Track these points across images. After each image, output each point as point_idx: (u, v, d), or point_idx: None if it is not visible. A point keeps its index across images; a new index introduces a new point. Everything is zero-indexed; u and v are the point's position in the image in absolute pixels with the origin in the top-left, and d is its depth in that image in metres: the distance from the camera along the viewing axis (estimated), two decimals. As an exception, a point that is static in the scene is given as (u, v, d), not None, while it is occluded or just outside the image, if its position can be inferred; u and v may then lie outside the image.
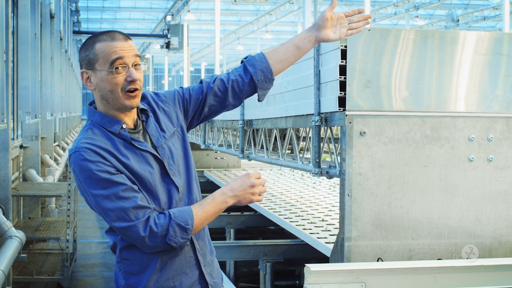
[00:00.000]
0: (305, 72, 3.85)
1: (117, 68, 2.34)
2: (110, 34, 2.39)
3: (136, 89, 2.37)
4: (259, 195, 2.43)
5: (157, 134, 2.48)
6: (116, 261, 2.46)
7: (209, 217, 2.42)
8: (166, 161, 2.44)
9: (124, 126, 2.40)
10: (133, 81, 2.35)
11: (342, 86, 3.21)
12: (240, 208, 7.33)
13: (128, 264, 2.43)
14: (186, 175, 2.50)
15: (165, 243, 2.33)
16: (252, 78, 2.59)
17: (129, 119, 2.44)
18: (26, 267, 7.21)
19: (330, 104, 3.41)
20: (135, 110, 2.46)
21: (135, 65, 2.38)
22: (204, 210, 2.40)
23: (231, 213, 6.78)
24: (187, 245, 2.47)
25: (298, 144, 4.73)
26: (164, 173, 2.43)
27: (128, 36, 2.42)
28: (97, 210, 2.34)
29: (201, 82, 2.65)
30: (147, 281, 2.41)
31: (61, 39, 17.44)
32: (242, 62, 2.66)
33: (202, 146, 8.03)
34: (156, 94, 2.59)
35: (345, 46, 3.18)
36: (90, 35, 2.47)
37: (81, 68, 2.42)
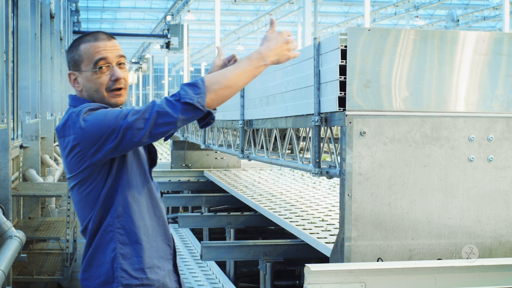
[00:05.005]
0: (305, 72, 3.84)
1: (101, 67, 2.41)
2: (94, 34, 2.45)
3: (121, 88, 2.43)
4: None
5: None
6: (109, 230, 2.39)
7: (244, 73, 2.36)
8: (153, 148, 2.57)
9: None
10: (117, 80, 2.42)
11: (342, 86, 3.21)
12: (240, 208, 7.33)
13: (122, 234, 2.39)
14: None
15: (182, 104, 2.25)
16: None
17: None
18: (26, 267, 7.20)
19: (330, 104, 3.41)
20: None
21: (119, 64, 2.44)
22: (237, 66, 2.37)
23: (231, 213, 6.77)
24: (164, 234, 2.48)
25: (298, 144, 4.72)
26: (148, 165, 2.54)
27: (112, 36, 2.47)
28: (116, 130, 2.27)
29: None
30: (142, 253, 2.40)
31: (61, 39, 17.43)
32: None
33: (202, 146, 8.02)
34: None
35: (345, 46, 3.18)
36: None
37: (68, 70, 2.48)
